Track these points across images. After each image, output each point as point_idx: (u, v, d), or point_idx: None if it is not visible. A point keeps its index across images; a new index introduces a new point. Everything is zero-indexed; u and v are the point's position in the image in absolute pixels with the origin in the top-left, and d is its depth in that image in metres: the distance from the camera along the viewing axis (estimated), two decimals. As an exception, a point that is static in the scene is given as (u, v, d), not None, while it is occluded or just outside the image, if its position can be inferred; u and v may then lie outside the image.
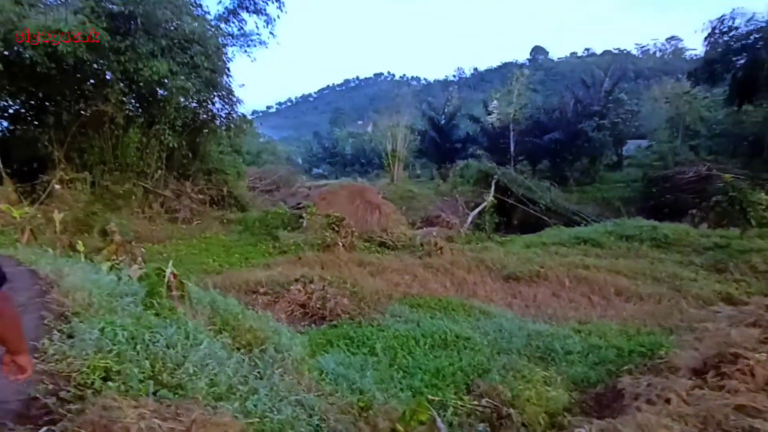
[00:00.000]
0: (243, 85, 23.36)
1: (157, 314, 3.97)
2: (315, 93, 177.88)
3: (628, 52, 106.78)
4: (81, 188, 17.83)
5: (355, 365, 5.12)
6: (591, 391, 4.93)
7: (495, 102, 37.24)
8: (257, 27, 21.33)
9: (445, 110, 41.33)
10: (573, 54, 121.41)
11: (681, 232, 13.01)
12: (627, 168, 38.50)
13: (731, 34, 27.23)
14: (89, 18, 15.02)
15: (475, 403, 4.61)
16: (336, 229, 12.96)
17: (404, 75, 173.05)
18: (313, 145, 76.40)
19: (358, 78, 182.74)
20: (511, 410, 4.37)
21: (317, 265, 10.97)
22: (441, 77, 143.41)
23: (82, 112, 18.23)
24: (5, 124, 19.00)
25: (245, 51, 20.69)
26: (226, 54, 20.34)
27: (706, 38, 28.12)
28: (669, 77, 50.13)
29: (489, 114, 38.13)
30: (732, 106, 29.84)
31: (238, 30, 20.18)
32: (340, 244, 12.18)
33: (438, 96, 69.93)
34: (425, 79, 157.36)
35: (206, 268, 11.02)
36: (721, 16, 27.15)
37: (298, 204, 20.96)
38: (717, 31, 27.43)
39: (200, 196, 23.48)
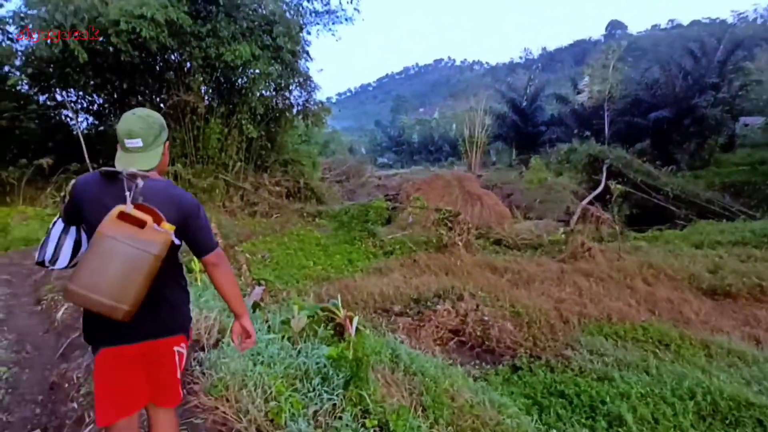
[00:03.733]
0: (322, 69, 21.94)
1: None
2: (374, 82, 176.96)
3: (723, 21, 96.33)
4: (164, 183, 17.04)
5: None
6: None
7: (586, 79, 33.62)
8: (340, 2, 19.66)
9: (527, 91, 38.08)
10: (655, 26, 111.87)
11: None
12: (739, 149, 33.76)
13: None
14: (171, 2, 14.00)
15: None
16: (450, 225, 11.05)
17: (465, 60, 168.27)
18: (377, 135, 75.26)
19: (417, 65, 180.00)
20: None
21: (440, 270, 9.14)
22: (506, 60, 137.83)
23: (163, 104, 17.46)
24: (91, 119, 18.60)
25: (329, 29, 19.05)
26: (309, 34, 18.88)
27: None
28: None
29: (578, 93, 34.59)
30: None
31: (323, 6, 18.58)
32: (460, 244, 10.27)
33: (502, 80, 66.12)
34: (488, 63, 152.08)
35: (309, 272, 9.49)
36: None
37: (386, 196, 19.33)
38: None
39: (277, 189, 22.53)
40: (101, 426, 1.92)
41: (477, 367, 5.19)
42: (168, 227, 1.74)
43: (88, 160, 15.51)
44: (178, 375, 1.99)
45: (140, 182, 1.78)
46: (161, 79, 16.98)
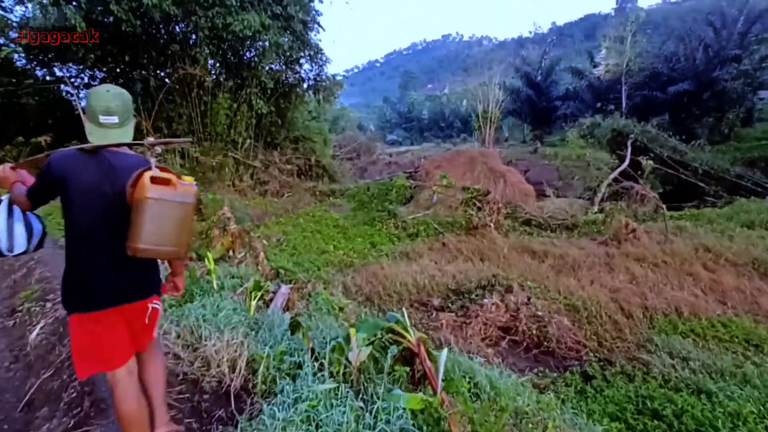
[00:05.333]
0: (335, 41, 20.93)
1: None
2: (381, 58, 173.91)
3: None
4: (170, 161, 16.27)
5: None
6: None
7: (603, 52, 32.31)
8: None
9: (542, 65, 36.75)
10: (666, 0, 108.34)
11: None
12: (758, 123, 32.54)
13: None
14: (174, -32, 13.06)
15: None
16: (479, 205, 10.31)
17: (473, 35, 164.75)
18: (385, 111, 73.96)
19: (425, 41, 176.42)
20: None
21: (473, 255, 8.44)
22: (515, 36, 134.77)
23: (168, 78, 16.60)
24: (92, 95, 17.80)
25: (341, -3, 17.96)
26: (321, 2, 17.84)
27: None
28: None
29: (595, 66, 33.32)
30: None
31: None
32: (491, 225, 9.54)
33: (513, 55, 64.21)
34: (496, 39, 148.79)
35: (329, 257, 8.82)
36: None
37: (408, 172, 18.61)
38: None
39: (288, 167, 21.82)
40: (82, 378, 2.19)
41: (539, 374, 4.52)
42: (189, 179, 2.00)
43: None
44: (155, 328, 2.27)
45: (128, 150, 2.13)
46: (166, 52, 16.06)
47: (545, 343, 5.00)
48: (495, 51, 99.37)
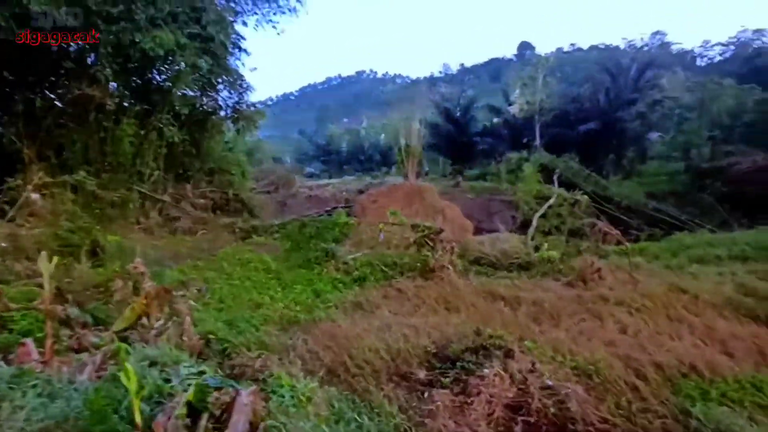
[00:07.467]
0: (255, 68, 19.44)
1: None
2: (296, 91, 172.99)
3: (616, 47, 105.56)
4: (60, 196, 13.65)
5: None
6: None
7: (517, 91, 34.05)
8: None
9: (460, 102, 37.94)
10: (559, 49, 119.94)
11: None
12: (649, 161, 35.90)
13: None
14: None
15: None
16: (431, 244, 9.39)
17: (387, 72, 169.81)
18: (302, 144, 72.94)
19: (340, 76, 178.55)
20: None
21: (437, 303, 7.40)
22: (426, 74, 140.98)
23: (59, 100, 14.24)
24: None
25: (269, 20, 16.80)
26: (246, 25, 16.57)
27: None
28: (663, 71, 47.60)
29: (510, 105, 34.96)
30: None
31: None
32: (450, 268, 8.63)
33: (424, 93, 66.73)
34: (409, 77, 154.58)
35: (268, 313, 7.30)
36: None
37: (333, 208, 17.46)
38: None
39: (202, 201, 19.83)
40: None
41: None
42: None
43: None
44: None
45: None
46: (58, 70, 13.78)
47: (570, 426, 4.02)
48: (409, 88, 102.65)
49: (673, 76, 52.55)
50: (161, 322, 5.03)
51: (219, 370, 4.31)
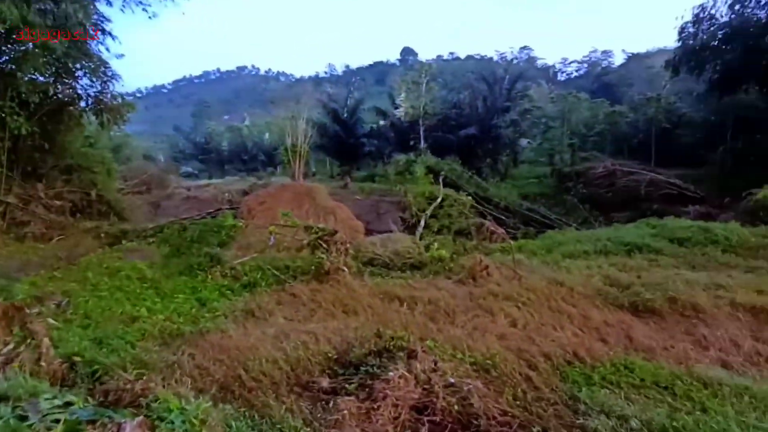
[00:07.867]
0: (122, 55, 17.28)
1: None
2: (169, 84, 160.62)
3: (490, 58, 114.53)
4: None
5: None
6: None
7: (402, 95, 35.08)
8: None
9: (347, 103, 38.06)
10: (440, 57, 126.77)
11: (736, 231, 11.65)
12: (521, 164, 39.57)
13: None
14: None
15: None
16: (325, 246, 9.10)
17: (270, 69, 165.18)
18: (178, 141, 67.91)
19: (219, 70, 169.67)
20: None
21: (334, 307, 7.13)
22: (311, 73, 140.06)
23: None
24: None
25: (139, 3, 15.11)
26: (110, 5, 14.77)
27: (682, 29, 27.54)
28: (530, 83, 53.24)
29: (396, 108, 35.90)
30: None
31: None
32: (346, 270, 8.42)
33: (310, 92, 66.25)
34: (293, 75, 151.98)
35: (146, 327, 6.45)
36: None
37: (217, 210, 16.37)
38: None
39: (58, 203, 17.38)
40: None
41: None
42: None
43: None
44: None
45: None
46: None
47: (474, 422, 4.03)
48: (294, 87, 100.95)
49: (539, 87, 58.83)
50: (11, 346, 4.13)
51: (90, 399, 3.62)
